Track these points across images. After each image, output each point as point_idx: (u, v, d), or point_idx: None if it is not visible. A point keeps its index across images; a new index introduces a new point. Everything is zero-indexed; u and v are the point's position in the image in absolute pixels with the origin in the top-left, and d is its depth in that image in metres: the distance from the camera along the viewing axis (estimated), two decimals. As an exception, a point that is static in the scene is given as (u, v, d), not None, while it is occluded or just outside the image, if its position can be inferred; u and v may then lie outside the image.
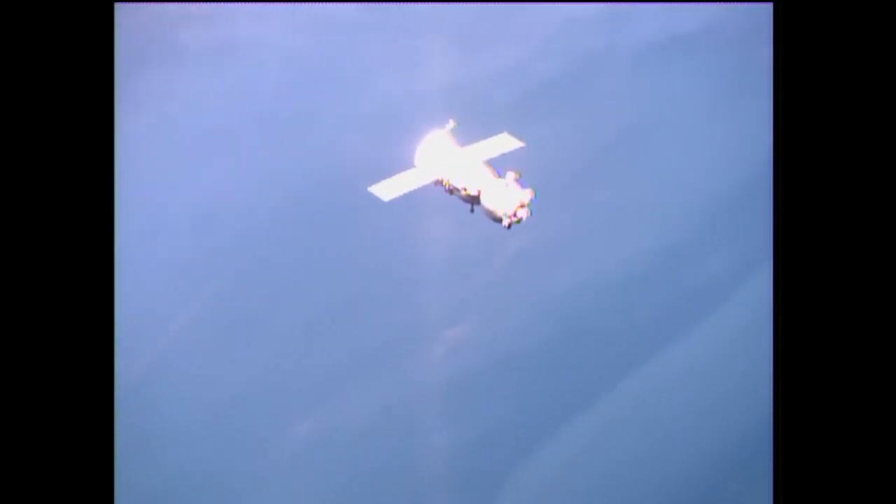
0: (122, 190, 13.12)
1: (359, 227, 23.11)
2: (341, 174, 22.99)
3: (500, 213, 11.54)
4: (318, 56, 25.03)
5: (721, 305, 23.74)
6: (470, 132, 12.13)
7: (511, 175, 11.62)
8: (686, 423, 22.83)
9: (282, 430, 22.63)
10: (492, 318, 23.59)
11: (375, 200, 11.88)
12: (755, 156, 23.27)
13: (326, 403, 22.85)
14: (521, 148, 12.03)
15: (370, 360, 23.05)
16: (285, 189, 23.82)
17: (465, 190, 11.73)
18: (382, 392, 22.91)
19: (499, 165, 11.87)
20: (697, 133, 24.52)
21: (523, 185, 11.59)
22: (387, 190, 11.87)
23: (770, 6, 12.41)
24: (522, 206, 11.49)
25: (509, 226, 11.53)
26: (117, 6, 12.55)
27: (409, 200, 11.92)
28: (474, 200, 11.74)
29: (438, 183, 11.91)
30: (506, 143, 11.99)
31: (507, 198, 11.49)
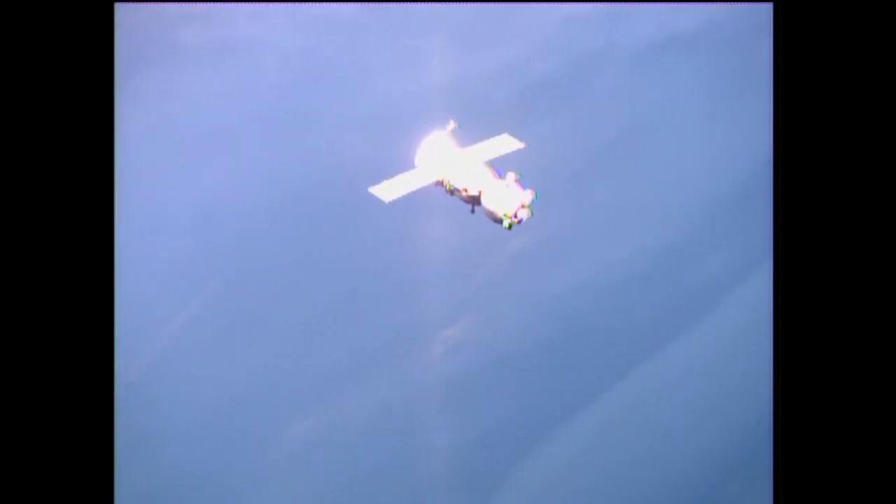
0: (121, 189, 13.12)
1: (359, 228, 23.10)
2: (341, 174, 22.99)
3: (500, 213, 11.55)
4: (317, 56, 25.03)
5: (721, 305, 23.74)
6: (470, 132, 12.14)
7: (511, 176, 11.64)
8: (686, 423, 22.83)
9: (281, 429, 22.63)
10: (491, 318, 23.59)
11: (375, 200, 11.88)
12: (755, 156, 23.28)
13: (326, 403, 22.85)
14: (521, 148, 12.05)
15: (369, 360, 23.05)
16: (285, 189, 23.81)
17: (465, 191, 11.73)
18: (382, 392, 22.90)
19: (498, 165, 11.89)
20: (697, 133, 24.51)
21: (523, 186, 11.60)
22: (387, 191, 11.87)
23: (770, 6, 12.42)
24: (523, 206, 11.50)
25: (510, 226, 11.54)
26: (117, 6, 12.55)
27: (410, 201, 11.93)
28: (475, 201, 11.75)
29: (439, 184, 11.92)
30: (506, 143, 12.01)
31: (507, 198, 11.50)
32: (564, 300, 23.55)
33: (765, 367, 13.13)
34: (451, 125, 12.13)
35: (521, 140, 12.06)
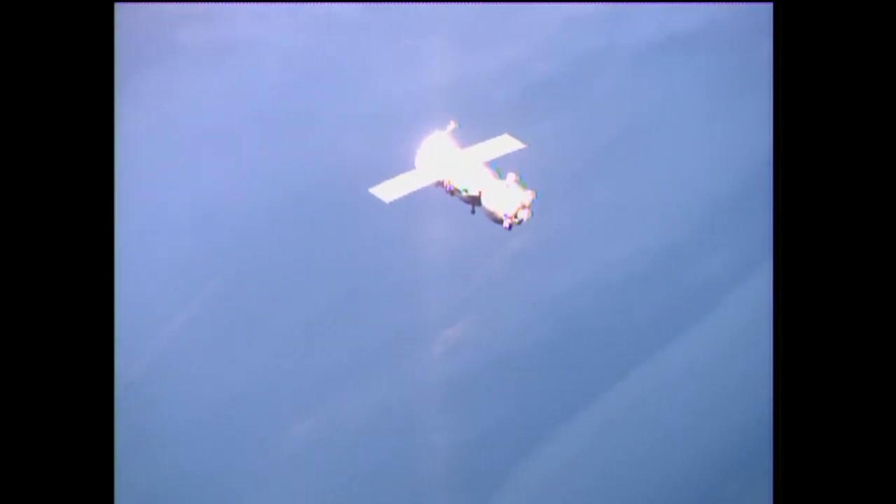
0: (121, 189, 13.11)
1: (359, 228, 23.10)
2: (341, 174, 22.99)
3: (501, 214, 11.55)
4: (318, 56, 25.04)
5: (721, 305, 23.73)
6: (470, 132, 12.14)
7: (512, 176, 11.64)
8: (686, 423, 22.82)
9: (281, 429, 22.62)
10: (491, 318, 23.59)
11: (375, 200, 11.89)
12: (755, 156, 23.28)
13: (326, 403, 22.84)
14: (521, 147, 12.05)
15: (370, 360, 23.04)
16: (285, 189, 23.81)
17: (466, 191, 11.73)
18: (382, 392, 22.90)
19: (498, 166, 11.88)
20: (697, 133, 24.52)
21: (524, 184, 11.61)
22: (388, 191, 11.88)
23: (770, 6, 12.42)
24: (524, 207, 11.50)
25: (510, 227, 11.54)
26: (117, 6, 12.56)
27: (410, 201, 11.93)
28: (475, 201, 11.75)
29: (439, 184, 11.92)
30: (507, 144, 12.01)
31: (508, 199, 11.51)
32: (564, 300, 23.55)
33: (765, 367, 13.12)
34: (452, 125, 12.13)
35: (521, 140, 12.06)
